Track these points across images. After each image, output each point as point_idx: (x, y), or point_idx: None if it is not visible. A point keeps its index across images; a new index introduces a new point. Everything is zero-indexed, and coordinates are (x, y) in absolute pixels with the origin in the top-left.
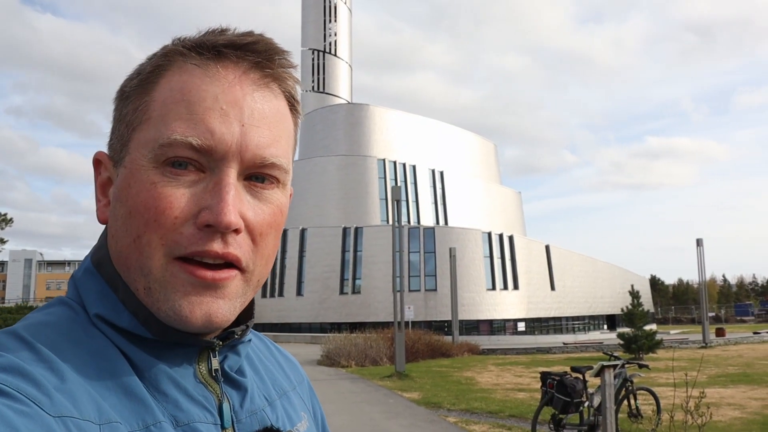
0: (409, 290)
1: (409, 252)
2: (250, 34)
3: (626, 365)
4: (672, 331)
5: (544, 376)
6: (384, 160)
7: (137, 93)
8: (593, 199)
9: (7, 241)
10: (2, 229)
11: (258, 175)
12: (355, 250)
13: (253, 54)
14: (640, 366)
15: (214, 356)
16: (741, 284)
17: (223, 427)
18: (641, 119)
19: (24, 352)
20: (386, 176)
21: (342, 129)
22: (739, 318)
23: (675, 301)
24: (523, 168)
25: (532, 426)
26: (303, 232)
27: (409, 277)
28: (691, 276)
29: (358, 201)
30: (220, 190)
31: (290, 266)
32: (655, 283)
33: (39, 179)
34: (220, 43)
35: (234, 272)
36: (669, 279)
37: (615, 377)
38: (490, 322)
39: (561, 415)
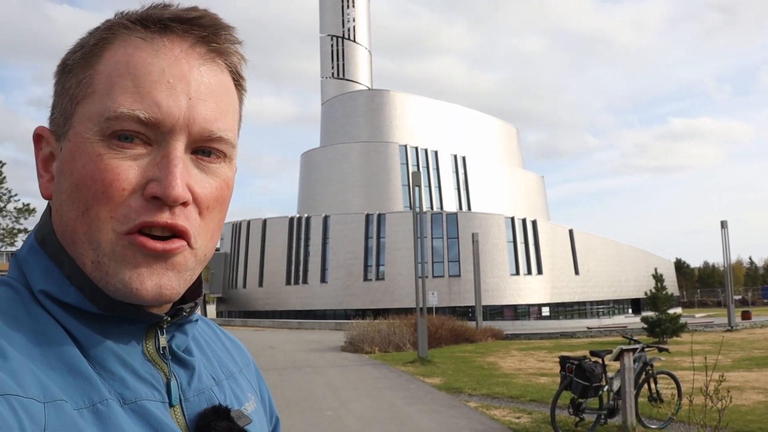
0: (433, 276)
1: (432, 238)
2: (195, 8)
3: (646, 349)
4: (697, 315)
5: (563, 361)
6: (405, 146)
7: (80, 66)
8: (617, 183)
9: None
10: (25, 219)
11: (205, 149)
12: (378, 237)
13: (199, 28)
14: (660, 350)
15: (162, 334)
16: None
17: (170, 404)
18: (664, 100)
19: None
20: (408, 162)
21: (363, 115)
22: (766, 300)
23: (701, 284)
24: (546, 152)
25: (551, 410)
26: (326, 219)
27: (432, 263)
28: (717, 259)
29: (381, 187)
30: (168, 163)
31: (314, 253)
32: (680, 267)
33: None
34: (166, 17)
35: (182, 243)
36: (695, 262)
37: (634, 361)
38: (514, 307)
39: (580, 400)
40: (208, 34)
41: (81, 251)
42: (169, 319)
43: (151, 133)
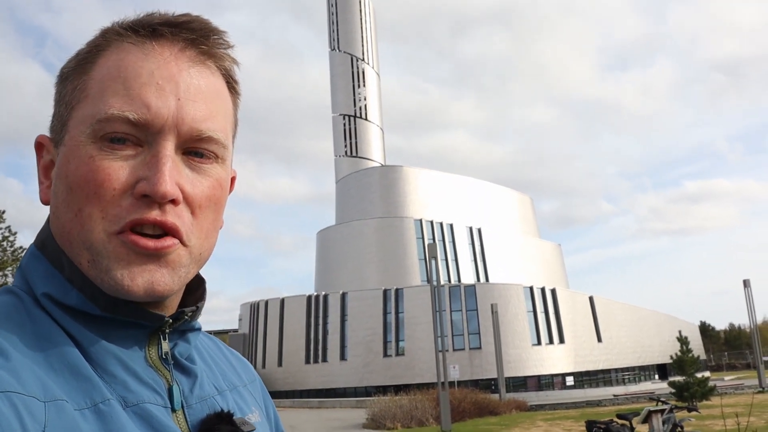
0: (454, 349)
1: (451, 311)
2: (186, 14)
3: (674, 410)
4: (726, 378)
5: (590, 425)
6: (421, 220)
7: (76, 73)
8: (635, 248)
9: None
10: None
11: (196, 150)
12: (397, 312)
13: (188, 32)
14: (690, 410)
15: (164, 339)
16: None
17: (173, 410)
18: (677, 163)
19: None
20: (424, 236)
21: (377, 192)
22: None
23: (727, 346)
24: (561, 220)
25: None
26: (344, 296)
27: (452, 336)
28: (743, 320)
29: (397, 262)
30: (157, 162)
31: (332, 331)
32: (705, 330)
33: None
34: (156, 22)
35: (175, 241)
36: (720, 324)
37: (663, 423)
38: (538, 377)
39: None
40: (197, 37)
41: (77, 251)
42: (171, 321)
43: (142, 134)
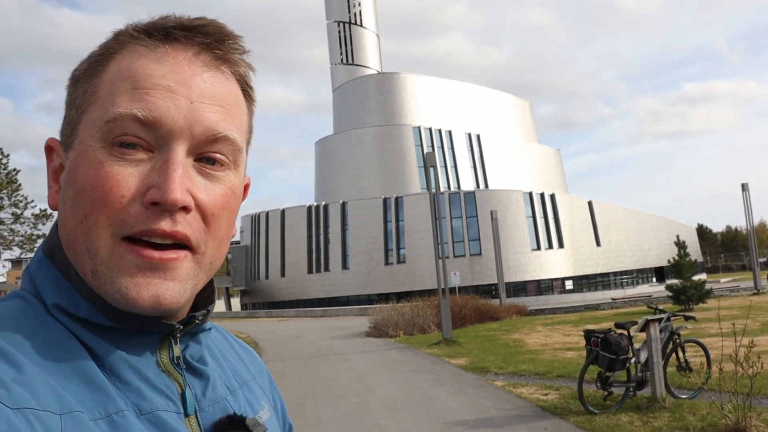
0: (454, 256)
1: (451, 218)
2: (201, 18)
3: (672, 318)
4: (722, 280)
5: (588, 334)
6: (419, 127)
7: (87, 76)
8: (633, 151)
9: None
10: (43, 224)
11: (209, 155)
12: (397, 220)
13: (203, 36)
14: (687, 318)
15: (176, 343)
16: None
17: (186, 415)
18: (676, 65)
19: None
20: (422, 143)
21: (374, 99)
22: None
23: (724, 249)
24: (559, 124)
25: (578, 385)
26: (344, 205)
27: (453, 242)
28: (740, 222)
29: (396, 170)
30: (167, 168)
31: (333, 240)
32: (702, 232)
33: None
34: (170, 26)
35: (183, 253)
36: (717, 227)
37: (661, 331)
38: (538, 282)
39: (607, 373)
40: (212, 42)
41: (81, 260)
42: (181, 327)
43: (152, 138)
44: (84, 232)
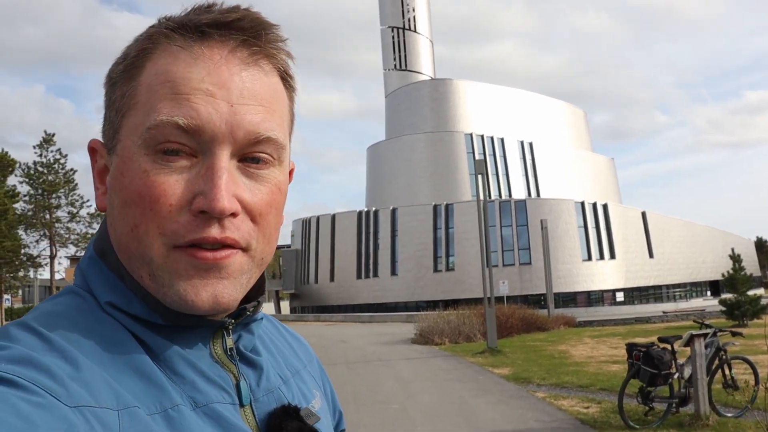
0: (503, 265)
1: (501, 226)
2: (235, 9)
3: (719, 333)
4: None
5: (630, 348)
6: (471, 134)
7: (124, 78)
8: (691, 161)
9: None
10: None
11: (253, 155)
12: (447, 227)
13: (238, 32)
14: (734, 334)
15: (228, 335)
16: None
17: (241, 405)
18: (737, 73)
19: (36, 343)
20: (474, 151)
21: (427, 106)
22: None
23: None
24: (614, 133)
25: (618, 400)
26: (394, 211)
27: (502, 251)
28: None
29: (448, 177)
30: (213, 175)
31: (383, 246)
32: (762, 246)
33: None
34: (204, 23)
35: (235, 250)
36: None
37: (706, 346)
38: (588, 293)
39: (649, 388)
40: (249, 37)
41: (136, 265)
42: (233, 321)
43: (194, 143)
44: (136, 239)
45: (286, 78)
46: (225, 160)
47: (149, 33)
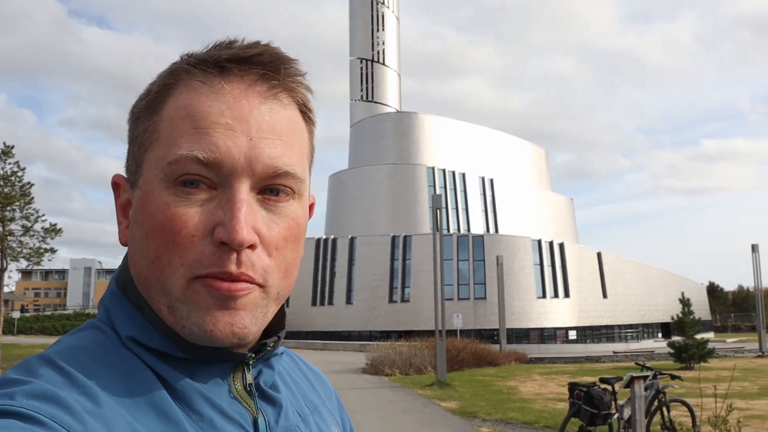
0: (459, 298)
1: (458, 260)
2: (255, 45)
3: (658, 376)
4: (729, 340)
5: (572, 387)
6: (433, 168)
7: (146, 113)
8: (648, 205)
9: (56, 250)
10: (51, 239)
11: (272, 187)
12: (404, 259)
13: (258, 66)
14: (673, 377)
15: (248, 370)
16: None
17: None
18: (697, 122)
19: (57, 378)
20: (435, 184)
21: (391, 138)
22: None
23: (735, 308)
24: (575, 173)
25: None
26: (352, 240)
27: (458, 285)
28: (752, 283)
29: (408, 209)
30: (232, 207)
31: (340, 274)
32: (713, 290)
33: (94, 189)
34: (224, 58)
35: (252, 286)
36: (729, 286)
37: (646, 389)
38: (541, 330)
39: (589, 428)
40: (268, 71)
41: (155, 297)
42: (253, 355)
43: (214, 176)
44: (156, 271)
45: (305, 111)
46: (245, 193)
47: (171, 69)
